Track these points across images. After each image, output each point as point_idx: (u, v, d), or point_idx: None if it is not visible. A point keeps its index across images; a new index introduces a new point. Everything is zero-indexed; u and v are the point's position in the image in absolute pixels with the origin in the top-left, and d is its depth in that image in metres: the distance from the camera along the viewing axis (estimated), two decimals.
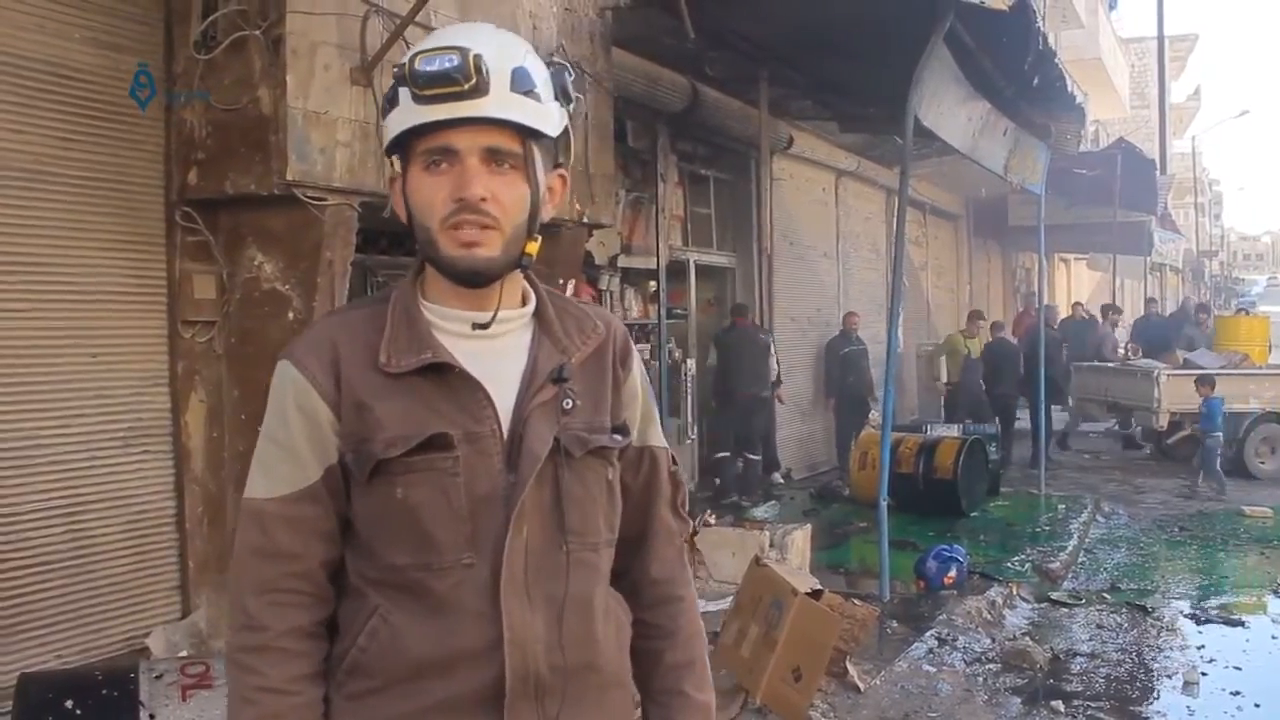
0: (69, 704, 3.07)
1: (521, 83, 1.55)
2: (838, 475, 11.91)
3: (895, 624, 6.49)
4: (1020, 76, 8.48)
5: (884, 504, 7.09)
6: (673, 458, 1.82)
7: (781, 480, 11.47)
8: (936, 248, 18.82)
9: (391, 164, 1.63)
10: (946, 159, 11.83)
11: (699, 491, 10.13)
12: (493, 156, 1.55)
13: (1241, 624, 7.13)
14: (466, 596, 1.55)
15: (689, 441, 10.42)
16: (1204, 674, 6.12)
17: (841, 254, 14.35)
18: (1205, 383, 12.31)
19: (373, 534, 1.59)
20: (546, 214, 1.64)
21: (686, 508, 1.85)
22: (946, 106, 7.65)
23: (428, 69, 1.51)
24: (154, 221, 4.93)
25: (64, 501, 4.59)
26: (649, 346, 9.99)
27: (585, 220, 6.52)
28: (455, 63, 1.50)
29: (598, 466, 1.66)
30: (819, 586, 5.19)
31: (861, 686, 5.28)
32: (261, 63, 4.62)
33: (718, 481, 10.42)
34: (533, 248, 1.61)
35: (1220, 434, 12.03)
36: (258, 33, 4.61)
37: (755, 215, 11.27)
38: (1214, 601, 7.69)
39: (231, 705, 1.58)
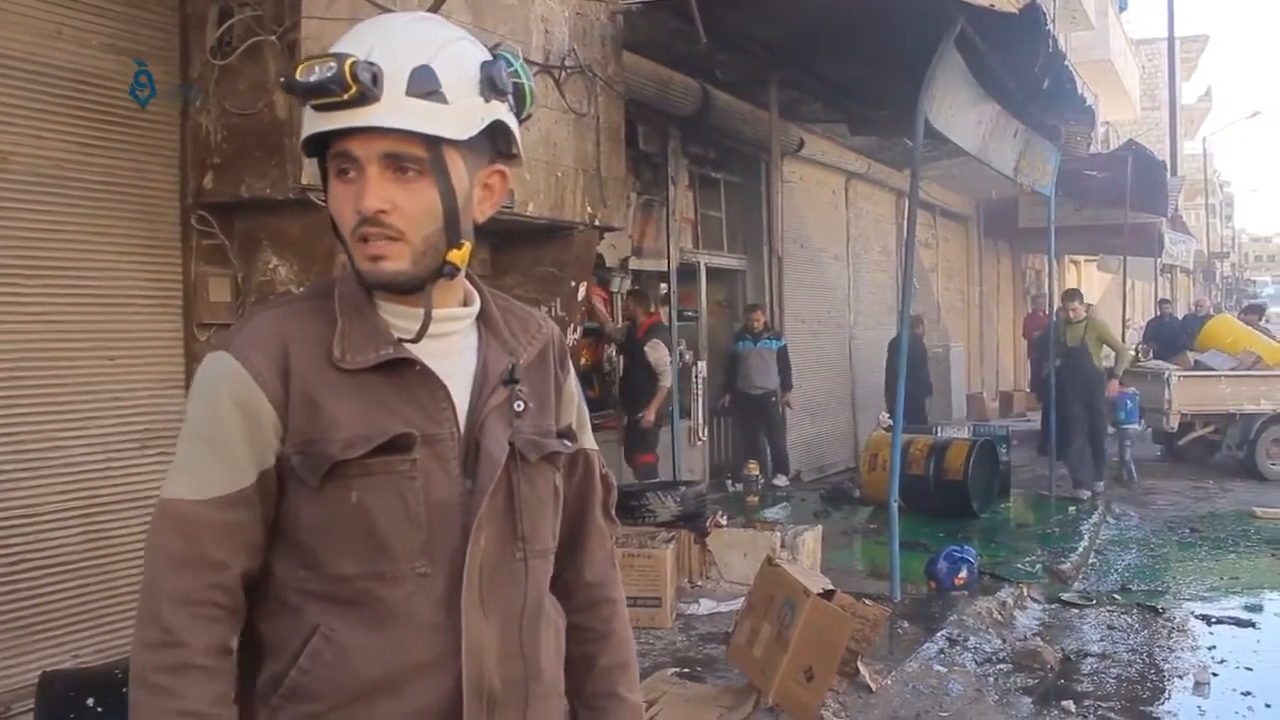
0: (90, 702, 3.11)
1: (421, 84, 1.43)
2: (848, 477, 11.94)
3: (906, 624, 6.49)
4: (1030, 79, 8.50)
5: (894, 505, 7.11)
6: (602, 460, 1.79)
7: (788, 482, 11.50)
8: (946, 249, 18.82)
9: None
10: (957, 161, 11.84)
11: (711, 494, 10.12)
12: (395, 163, 1.45)
13: (1252, 625, 7.12)
14: (419, 607, 1.47)
15: (699, 444, 10.45)
16: (1215, 674, 6.12)
17: (852, 256, 14.37)
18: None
19: (320, 541, 1.48)
20: (482, 214, 1.57)
21: (614, 510, 1.81)
22: (957, 109, 7.66)
23: (305, 80, 1.41)
24: (170, 225, 4.96)
25: (81, 503, 4.61)
26: None
27: (597, 223, 6.55)
28: (331, 72, 1.39)
29: (547, 471, 1.62)
30: (831, 587, 5.21)
31: (873, 686, 5.29)
32: (277, 67, 4.66)
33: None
34: (457, 255, 1.51)
35: (1132, 426, 12.60)
36: (273, 38, 4.65)
37: (765, 218, 11.29)
38: (1225, 602, 7.69)
39: None
